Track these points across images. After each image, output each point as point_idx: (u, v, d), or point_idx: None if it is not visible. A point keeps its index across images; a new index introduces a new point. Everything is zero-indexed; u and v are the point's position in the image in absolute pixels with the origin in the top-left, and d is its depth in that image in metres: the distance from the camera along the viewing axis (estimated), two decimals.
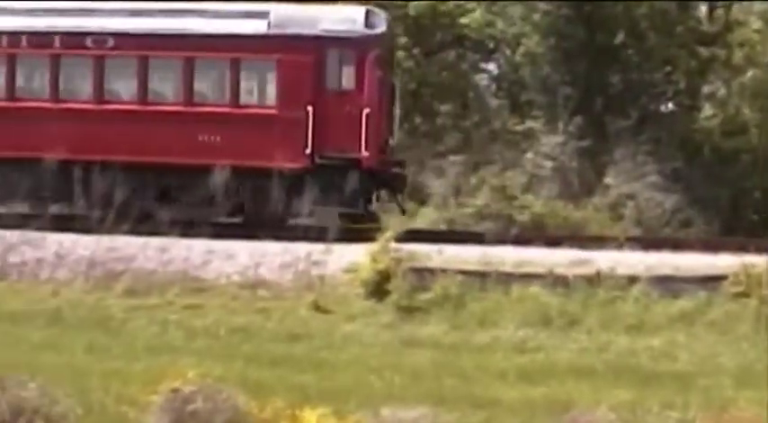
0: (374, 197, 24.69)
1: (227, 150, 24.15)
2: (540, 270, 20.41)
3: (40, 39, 25.08)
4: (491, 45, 35.47)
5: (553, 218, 27.26)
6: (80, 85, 25.60)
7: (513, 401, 13.84)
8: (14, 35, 25.22)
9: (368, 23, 24.37)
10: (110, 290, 21.59)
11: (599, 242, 22.81)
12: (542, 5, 31.86)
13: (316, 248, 22.20)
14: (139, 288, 21.47)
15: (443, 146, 32.08)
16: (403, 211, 25.27)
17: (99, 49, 24.96)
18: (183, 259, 22.36)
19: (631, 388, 14.61)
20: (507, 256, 21.23)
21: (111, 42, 24.94)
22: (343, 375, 15.40)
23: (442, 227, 25.90)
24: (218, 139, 24.37)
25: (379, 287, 20.57)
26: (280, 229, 23.71)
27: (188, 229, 23.13)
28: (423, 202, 28.63)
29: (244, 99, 24.92)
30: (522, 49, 32.78)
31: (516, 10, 32.81)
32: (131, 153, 24.35)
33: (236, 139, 24.23)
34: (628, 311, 19.50)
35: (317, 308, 20.40)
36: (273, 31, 24.42)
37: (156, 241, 22.88)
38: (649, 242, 23.32)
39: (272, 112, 24.46)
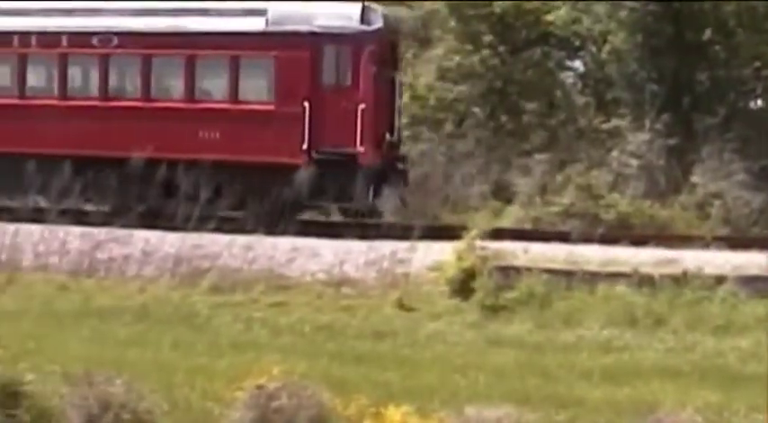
0: (371, 192, 24.28)
1: (227, 146, 24.52)
2: (625, 269, 20.24)
3: (134, 39, 25.58)
4: (577, 42, 35.13)
5: (639, 217, 26.93)
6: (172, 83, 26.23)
7: (597, 401, 13.73)
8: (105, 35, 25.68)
9: (363, 20, 24.51)
10: (195, 287, 21.78)
11: (686, 241, 22.53)
12: (629, 3, 31.57)
13: (401, 246, 22.20)
14: (225, 285, 21.62)
15: (529, 144, 31.87)
16: (404, 205, 25.52)
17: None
18: (268, 257, 22.48)
19: (718, 389, 14.42)
20: (593, 255, 21.07)
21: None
22: (427, 373, 15.38)
23: (528, 225, 25.72)
24: (218, 135, 24.76)
25: (464, 285, 20.52)
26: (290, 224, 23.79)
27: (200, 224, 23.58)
28: (508, 200, 28.48)
29: (242, 95, 25.24)
30: (608, 47, 32.44)
31: (602, 7, 32.48)
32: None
33: (236, 134, 24.59)
34: (715, 312, 19.27)
35: (402, 306, 20.40)
36: (271, 28, 24.78)
37: (241, 239, 23.03)
38: (737, 241, 22.96)
39: (270, 108, 24.75)
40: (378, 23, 24.65)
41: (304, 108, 24.22)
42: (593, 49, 34.63)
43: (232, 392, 11.78)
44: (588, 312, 19.43)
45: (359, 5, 24.73)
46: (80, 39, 25.73)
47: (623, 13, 31.70)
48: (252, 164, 24.35)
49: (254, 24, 24.88)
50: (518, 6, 33.69)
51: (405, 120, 31.86)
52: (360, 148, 24.17)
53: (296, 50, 24.43)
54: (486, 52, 32.65)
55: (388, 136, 25.06)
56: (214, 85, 25.97)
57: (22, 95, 26.45)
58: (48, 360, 13.81)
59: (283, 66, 24.59)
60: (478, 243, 20.99)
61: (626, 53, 31.98)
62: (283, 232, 23.33)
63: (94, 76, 26.16)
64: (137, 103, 25.66)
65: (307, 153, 24.27)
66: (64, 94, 26.14)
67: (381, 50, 24.89)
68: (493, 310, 19.89)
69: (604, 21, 32.64)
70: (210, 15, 25.37)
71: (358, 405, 11.25)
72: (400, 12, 29.69)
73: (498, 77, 33.27)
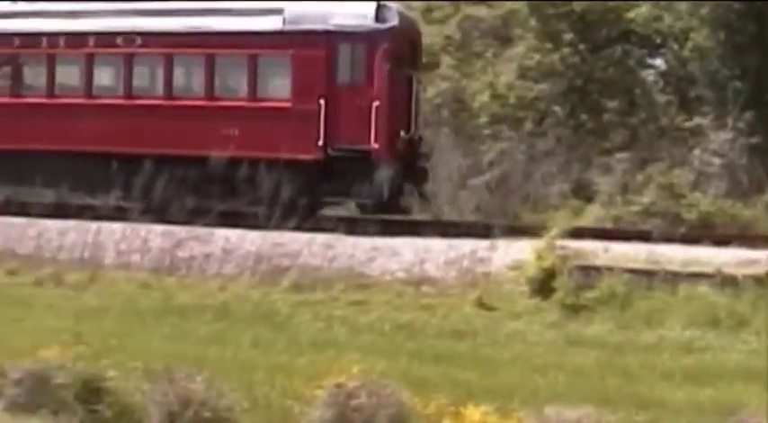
0: (386, 188, 24.57)
1: (247, 143, 24.99)
2: (707, 269, 19.98)
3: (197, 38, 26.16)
4: (658, 40, 34.81)
5: (721, 216, 26.65)
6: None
7: (678, 402, 13.58)
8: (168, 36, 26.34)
9: (378, 18, 24.92)
10: (276, 285, 21.87)
11: None
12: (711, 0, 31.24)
13: (480, 245, 22.14)
14: (305, 284, 21.69)
15: (610, 143, 31.66)
16: (424, 200, 26.13)
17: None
18: (348, 256, 22.52)
19: None
20: (674, 255, 20.84)
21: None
22: (507, 373, 15.30)
23: (608, 225, 25.54)
24: (237, 132, 25.25)
25: (544, 285, 20.41)
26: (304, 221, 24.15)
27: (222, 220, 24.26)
28: (589, 199, 28.31)
29: (260, 93, 25.77)
30: (690, 44, 32.13)
31: (684, 4, 32.16)
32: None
33: (254, 131, 25.10)
34: None
35: (482, 305, 20.33)
36: (288, 27, 25.29)
37: (321, 238, 23.11)
38: None
39: (287, 105, 25.19)
40: (393, 22, 25.06)
41: (320, 105, 24.70)
42: (675, 46, 34.29)
43: (312, 391, 11.80)
44: (669, 313, 19.22)
45: (374, 4, 25.11)
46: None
47: (705, 10, 31.35)
48: (269, 160, 24.73)
49: (272, 23, 25.43)
50: (599, 4, 33.47)
51: (484, 119, 31.97)
52: (374, 145, 24.53)
53: (312, 49, 24.98)
54: (566, 50, 32.48)
55: (402, 133, 25.22)
56: (233, 84, 26.62)
57: (89, 95, 27.13)
58: (129, 357, 13.93)
59: (300, 64, 25.14)
60: (558, 242, 20.86)
61: (708, 50, 31.64)
62: (364, 232, 23.42)
63: (160, 75, 26.79)
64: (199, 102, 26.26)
65: (322, 149, 24.71)
66: (129, 93, 26.78)
67: (396, 48, 25.22)
68: (573, 309, 19.75)
69: (686, 18, 32.31)
70: (229, 15, 26.00)
71: (437, 404, 11.23)
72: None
73: (579, 76, 33.07)
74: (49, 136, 26.44)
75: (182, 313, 19.68)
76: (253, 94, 25.70)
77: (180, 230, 24.01)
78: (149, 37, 26.28)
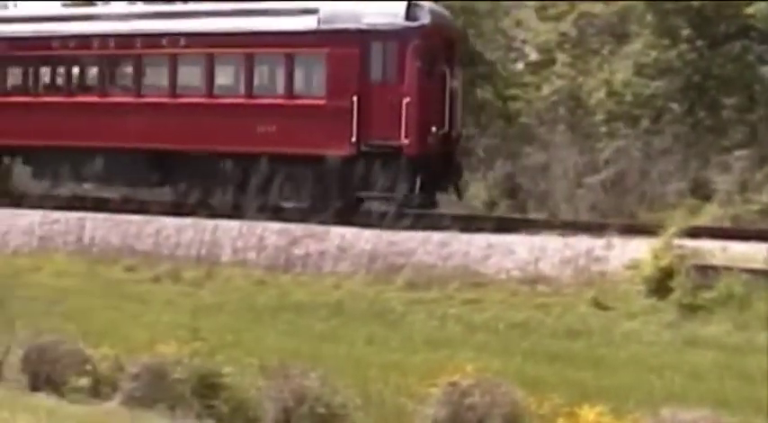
0: (417, 184, 24.89)
1: (284, 139, 25.79)
2: None
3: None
4: None
5: None
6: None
7: None
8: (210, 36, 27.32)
9: (409, 16, 25.36)
10: (390, 283, 21.89)
11: None
12: None
13: (596, 244, 21.92)
14: (419, 282, 21.68)
15: (728, 140, 31.16)
16: (459, 197, 26.63)
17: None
18: (462, 254, 22.47)
19: None
20: None
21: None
22: (622, 373, 15.15)
23: (727, 224, 25.13)
24: (275, 128, 26.01)
25: (660, 284, 20.12)
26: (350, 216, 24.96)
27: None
28: (707, 198, 27.90)
29: (297, 91, 26.54)
30: None
31: None
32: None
33: (291, 128, 25.81)
34: None
35: (597, 304, 20.13)
36: (323, 26, 25.99)
37: (436, 236, 23.08)
38: None
39: (322, 102, 25.81)
40: (424, 20, 25.43)
41: (353, 102, 25.23)
42: None
43: (425, 389, 11.81)
44: None
45: (405, 2, 25.51)
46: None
47: None
48: (305, 156, 25.53)
49: (307, 23, 26.15)
50: None
51: (600, 116, 31.68)
52: (404, 141, 24.95)
53: (345, 47, 25.57)
54: (683, 47, 32.02)
55: (434, 129, 25.34)
56: (271, 82, 27.55)
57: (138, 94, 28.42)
58: (245, 353, 14.07)
59: (334, 62, 25.77)
60: (676, 241, 20.57)
61: None
62: (479, 229, 23.37)
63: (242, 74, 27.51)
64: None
65: (355, 145, 25.23)
66: (174, 92, 27.87)
67: (428, 46, 25.50)
68: (690, 309, 19.45)
69: None
70: (267, 15, 26.88)
71: (551, 404, 11.16)
72: None
73: (696, 72, 32.57)
74: (97, 133, 27.85)
75: (297, 310, 19.83)
76: (289, 91, 26.50)
77: (296, 228, 24.18)
78: (193, 38, 27.35)
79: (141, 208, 26.29)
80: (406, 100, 24.94)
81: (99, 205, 27.11)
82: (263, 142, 25.91)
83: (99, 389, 13.75)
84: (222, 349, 14.00)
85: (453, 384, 11.55)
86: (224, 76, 28.03)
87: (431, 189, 25.66)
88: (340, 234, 23.70)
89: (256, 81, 27.28)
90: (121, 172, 27.74)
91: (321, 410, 11.98)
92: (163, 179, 27.86)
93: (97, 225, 26.09)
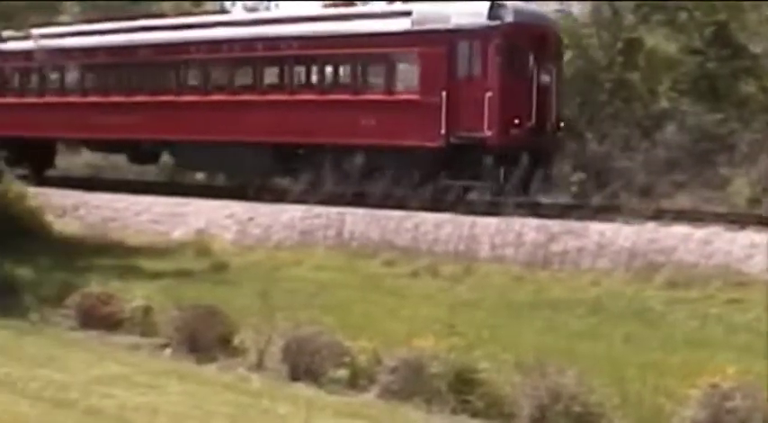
0: (501, 174, 26.46)
1: (382, 132, 27.97)
2: None
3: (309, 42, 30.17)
4: None
5: None
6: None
7: None
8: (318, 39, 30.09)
9: (491, 16, 27.16)
10: (650, 281, 21.47)
11: None
12: None
13: None
14: (680, 280, 21.19)
15: None
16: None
17: None
18: (725, 252, 21.86)
19: None
20: None
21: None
22: None
23: None
24: (374, 122, 28.22)
25: None
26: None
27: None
28: None
29: (393, 87, 28.80)
30: None
31: None
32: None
33: (389, 122, 27.99)
34: None
35: None
36: (415, 27, 28.19)
37: (698, 233, 22.54)
38: None
39: (415, 97, 27.86)
40: (507, 18, 27.17)
41: (442, 97, 27.11)
42: None
43: (685, 390, 11.55)
44: None
45: (488, 3, 27.32)
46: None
47: None
48: (401, 147, 27.66)
49: (402, 25, 28.45)
50: None
51: None
52: (487, 133, 26.62)
53: (435, 46, 27.59)
54: None
55: (517, 121, 26.69)
56: (371, 79, 29.58)
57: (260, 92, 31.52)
58: (501, 349, 14.04)
59: (425, 60, 27.85)
60: None
61: None
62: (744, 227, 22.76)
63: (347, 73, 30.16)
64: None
65: (445, 137, 27.10)
66: (291, 90, 30.74)
67: (510, 43, 27.09)
68: None
69: None
70: (366, 18, 30.06)
71: None
72: None
73: None
74: (226, 129, 31.13)
75: (554, 307, 19.66)
76: (387, 88, 28.80)
77: (554, 224, 24.04)
78: (305, 41, 30.09)
79: (400, 203, 26.62)
80: (488, 94, 26.61)
81: (358, 200, 27.57)
82: (365, 135, 28.24)
83: (356, 381, 13.98)
84: (479, 345, 14.03)
85: (714, 386, 11.27)
86: (331, 75, 30.46)
87: (525, 179, 26.56)
88: (599, 231, 23.41)
89: (359, 79, 29.58)
90: (248, 163, 30.98)
91: (577, 409, 11.87)
92: (284, 169, 30.48)
93: (357, 220, 26.53)
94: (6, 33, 29.59)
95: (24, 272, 21.40)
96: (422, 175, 27.16)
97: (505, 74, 26.86)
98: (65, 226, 30.22)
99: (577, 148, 34.23)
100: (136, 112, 33.42)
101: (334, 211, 27.10)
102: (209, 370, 15.08)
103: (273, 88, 31.18)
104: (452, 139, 27.08)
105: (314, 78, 30.56)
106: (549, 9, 33.78)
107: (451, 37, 27.38)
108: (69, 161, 42.66)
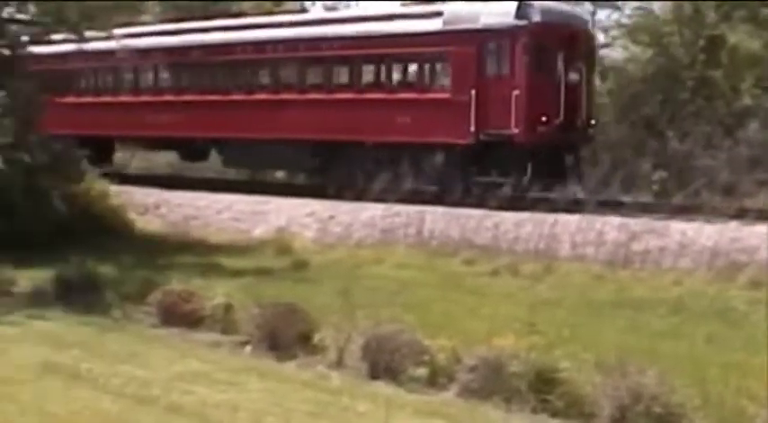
0: (528, 170, 27.15)
1: (416, 130, 28.85)
2: None
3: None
4: None
5: None
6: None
7: None
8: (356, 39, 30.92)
9: (518, 15, 27.77)
10: (732, 281, 21.23)
11: None
12: None
13: None
14: (763, 280, 20.91)
15: None
16: (579, 180, 28.14)
17: None
18: None
19: None
20: None
21: None
22: None
23: None
24: (409, 120, 29.05)
25: None
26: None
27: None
28: None
29: (426, 86, 29.79)
30: None
31: None
32: None
33: (422, 119, 28.86)
34: None
35: None
36: (446, 27, 28.90)
37: None
38: None
39: (447, 96, 28.65)
40: (534, 18, 27.76)
41: (471, 96, 27.80)
42: None
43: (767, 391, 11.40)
44: None
45: (516, 3, 27.95)
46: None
47: None
48: (434, 144, 28.71)
49: (434, 25, 29.17)
50: None
51: None
52: (514, 130, 27.35)
53: (465, 46, 28.25)
54: None
55: (544, 119, 27.25)
56: (405, 78, 30.80)
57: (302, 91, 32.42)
58: (582, 348, 13.96)
59: (456, 59, 28.61)
60: None
61: None
62: None
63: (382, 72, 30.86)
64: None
65: (475, 134, 27.81)
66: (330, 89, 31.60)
67: (536, 42, 27.67)
68: None
69: None
70: (400, 19, 30.59)
71: None
72: None
73: None
74: (271, 125, 32.01)
75: (635, 307, 19.50)
76: (420, 86, 29.78)
77: (635, 223, 23.85)
78: (344, 41, 30.85)
79: (480, 202, 26.61)
80: (515, 93, 27.32)
81: (438, 199, 27.58)
82: (401, 132, 29.05)
83: (436, 379, 13.97)
84: (559, 344, 13.96)
85: None
86: (368, 74, 31.18)
87: (556, 174, 27.55)
88: (681, 230, 23.19)
89: (394, 77, 30.68)
90: (289, 160, 32.60)
91: (658, 409, 11.76)
92: (322, 165, 31.52)
93: (436, 218, 26.52)
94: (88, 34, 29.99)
95: (107, 269, 21.65)
96: (453, 171, 28.40)
97: (532, 72, 27.54)
98: (147, 224, 30.56)
99: (659, 146, 33.94)
100: (187, 110, 34.55)
101: (413, 209, 27.11)
102: (289, 367, 15.14)
103: (315, 88, 31.96)
104: (482, 137, 27.82)
105: (353, 78, 31.25)
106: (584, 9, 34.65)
107: (480, 36, 28.09)
108: (150, 160, 43.18)
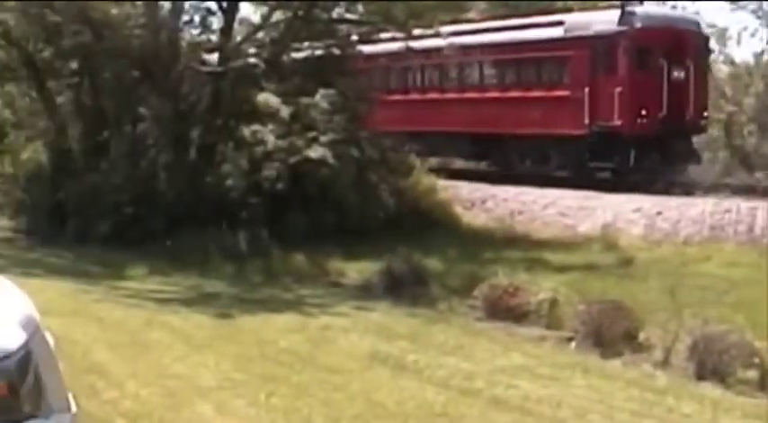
0: (631, 158, 31.59)
1: (543, 123, 33.74)
2: None
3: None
4: None
5: None
6: None
7: None
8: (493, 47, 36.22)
9: (621, 22, 32.25)
10: None
11: None
12: None
13: None
14: None
15: None
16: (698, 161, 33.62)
17: None
18: None
19: None
20: None
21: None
22: None
23: None
24: (537, 115, 33.83)
25: None
26: None
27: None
28: None
29: (551, 85, 34.38)
30: None
31: None
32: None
33: (548, 114, 33.66)
34: None
35: None
36: (567, 34, 33.58)
37: None
38: None
39: (567, 93, 33.35)
40: (636, 24, 32.18)
41: (585, 93, 32.52)
42: None
43: None
44: None
45: (619, 11, 32.58)
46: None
47: None
48: (558, 135, 33.42)
49: (557, 33, 33.79)
50: None
51: None
52: (617, 122, 31.88)
53: (581, 50, 32.89)
54: None
55: (643, 112, 31.68)
56: (533, 79, 35.27)
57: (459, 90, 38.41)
58: None
59: (574, 62, 33.26)
60: None
61: None
62: None
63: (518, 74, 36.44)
64: None
65: (588, 126, 32.52)
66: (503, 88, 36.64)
67: (637, 45, 31.97)
68: None
69: None
70: (529, 28, 34.95)
71: None
72: None
73: None
74: (432, 119, 37.45)
75: None
76: (546, 86, 34.49)
77: None
78: (484, 48, 35.72)
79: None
80: (618, 89, 31.82)
81: None
82: (531, 125, 34.01)
83: (766, 382, 13.52)
84: None
85: None
86: (510, 76, 36.18)
87: (658, 163, 31.76)
88: None
89: (526, 78, 35.41)
90: (454, 148, 37.89)
91: None
92: (479, 154, 37.77)
93: None
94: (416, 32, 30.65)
95: (433, 263, 21.99)
96: (570, 158, 33.43)
97: (633, 71, 31.96)
98: (473, 218, 30.88)
99: None
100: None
101: (744, 205, 26.32)
102: (614, 365, 14.97)
103: (471, 87, 37.29)
104: (594, 128, 32.37)
105: (497, 79, 36.57)
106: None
107: (592, 41, 32.69)
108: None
